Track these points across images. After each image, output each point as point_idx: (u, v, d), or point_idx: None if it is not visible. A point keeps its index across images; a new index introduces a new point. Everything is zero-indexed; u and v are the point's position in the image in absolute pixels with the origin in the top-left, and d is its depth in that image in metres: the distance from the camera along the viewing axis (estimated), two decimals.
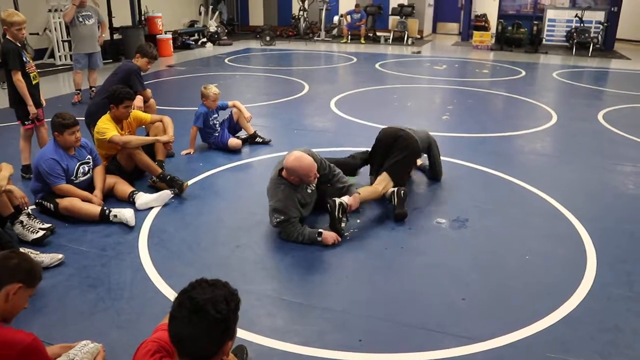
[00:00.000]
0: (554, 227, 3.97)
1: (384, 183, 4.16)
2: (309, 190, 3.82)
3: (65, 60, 11.66)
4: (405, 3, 16.53)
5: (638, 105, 8.24)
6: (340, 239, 3.65)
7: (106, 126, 4.47)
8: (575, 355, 2.57)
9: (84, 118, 5.23)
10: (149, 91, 5.50)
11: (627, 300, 3.03)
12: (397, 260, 3.49)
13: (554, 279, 3.26)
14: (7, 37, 4.65)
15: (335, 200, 3.72)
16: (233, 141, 5.53)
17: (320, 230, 3.63)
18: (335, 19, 17.17)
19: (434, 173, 4.78)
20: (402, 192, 4.05)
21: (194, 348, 1.50)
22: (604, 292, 3.10)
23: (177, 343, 1.52)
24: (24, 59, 4.67)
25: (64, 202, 3.94)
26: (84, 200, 4.02)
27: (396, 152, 4.29)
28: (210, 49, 14.78)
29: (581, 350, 2.61)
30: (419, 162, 4.84)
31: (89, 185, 4.21)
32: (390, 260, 3.49)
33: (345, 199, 3.77)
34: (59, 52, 11.61)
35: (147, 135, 5.03)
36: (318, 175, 3.68)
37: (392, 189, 4.09)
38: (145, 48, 5.36)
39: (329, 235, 3.61)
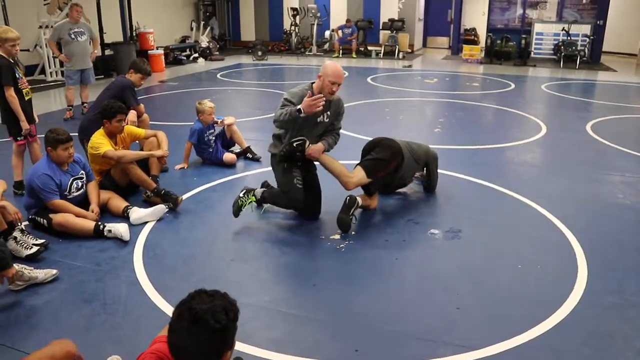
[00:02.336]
0: (545, 236, 4.02)
1: (355, 173, 4.18)
2: (319, 119, 4.06)
3: (56, 76, 11.69)
4: (396, 18, 16.74)
5: (625, 116, 8.38)
6: (319, 105, 3.77)
7: (100, 141, 4.49)
8: None
9: (77, 133, 5.25)
10: (142, 106, 5.53)
11: (618, 308, 3.07)
12: (391, 271, 3.52)
13: (546, 288, 3.30)
14: (1, 53, 4.67)
15: (353, 197, 4.06)
16: (228, 156, 5.56)
17: (299, 107, 3.81)
18: (327, 33, 17.34)
19: (428, 186, 4.83)
20: (349, 198, 4.06)
21: (194, 359, 1.51)
22: (595, 300, 3.14)
23: (177, 354, 1.54)
24: (16, 74, 4.69)
25: (57, 218, 3.93)
26: (78, 216, 4.02)
27: (376, 151, 4.34)
28: (202, 64, 14.86)
29: (574, 356, 2.65)
30: (417, 174, 4.86)
31: (82, 201, 4.20)
32: (384, 271, 3.51)
33: (316, 146, 4.03)
34: (49, 68, 11.64)
35: (141, 150, 5.05)
36: (335, 91, 3.97)
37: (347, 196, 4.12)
38: (138, 64, 5.40)
39: (307, 104, 3.76)
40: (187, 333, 1.50)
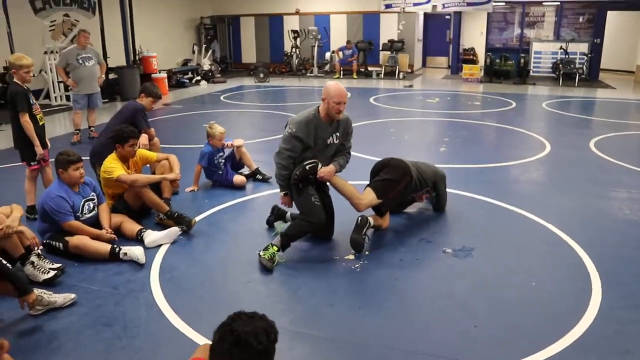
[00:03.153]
0: (557, 253, 4.05)
1: (366, 194, 4.24)
2: (330, 141, 4.09)
3: (61, 100, 11.82)
4: (395, 39, 16.95)
5: (627, 133, 8.46)
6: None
7: (113, 165, 4.54)
8: None
9: (88, 157, 5.30)
10: (153, 130, 5.60)
11: (635, 324, 3.10)
12: (407, 290, 3.54)
13: (562, 304, 3.32)
14: (15, 79, 4.75)
15: (365, 217, 4.12)
16: (238, 178, 5.62)
17: (285, 192, 4.07)
18: (327, 55, 17.55)
19: (438, 205, 4.87)
20: (361, 219, 4.11)
21: None
22: (611, 316, 3.16)
23: None
24: (30, 101, 4.77)
25: (74, 241, 3.97)
26: (94, 237, 4.05)
27: (385, 171, 4.39)
28: (204, 86, 15.01)
29: None
30: (426, 195, 4.90)
31: (94, 223, 4.23)
32: (400, 290, 3.54)
33: (328, 168, 4.09)
34: (54, 92, 11.76)
35: (153, 173, 5.10)
36: (342, 110, 3.97)
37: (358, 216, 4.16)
38: (149, 88, 5.48)
39: (285, 199, 4.09)
40: (229, 355, 1.53)
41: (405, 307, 3.33)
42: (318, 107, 4.07)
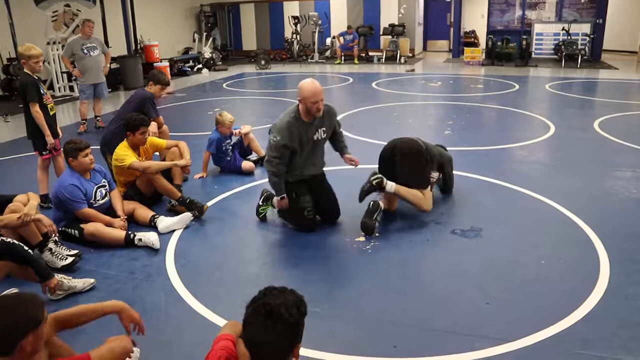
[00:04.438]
0: (564, 232, 4.12)
1: (422, 196, 4.32)
2: (316, 137, 4.10)
3: (64, 91, 11.85)
4: (396, 23, 16.90)
5: (630, 113, 8.49)
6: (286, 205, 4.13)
7: (125, 153, 4.60)
8: (601, 351, 2.69)
9: (99, 147, 5.36)
10: (162, 118, 5.65)
11: None
12: (419, 270, 3.62)
13: (571, 281, 3.40)
14: (25, 70, 4.80)
15: (376, 202, 4.18)
16: (246, 164, 5.68)
17: (282, 196, 4.09)
18: (328, 40, 17.52)
19: (445, 187, 4.93)
20: (372, 203, 4.19)
21: (270, 351, 1.61)
22: (620, 291, 3.24)
23: (254, 348, 1.64)
24: (41, 90, 4.82)
25: (89, 228, 4.04)
26: (107, 224, 4.13)
27: (404, 164, 4.35)
28: (206, 74, 15.02)
29: (605, 346, 2.74)
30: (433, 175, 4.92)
31: (107, 210, 4.30)
32: (412, 270, 3.62)
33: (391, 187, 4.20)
34: (57, 83, 11.78)
35: (163, 160, 5.15)
36: (321, 108, 3.94)
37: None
38: (157, 75, 5.52)
39: (282, 203, 4.12)
40: (263, 327, 1.60)
41: (417, 286, 3.41)
42: (297, 106, 4.03)
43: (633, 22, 17.42)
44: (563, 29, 15.20)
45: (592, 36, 15.42)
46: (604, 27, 15.65)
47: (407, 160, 4.35)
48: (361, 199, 4.26)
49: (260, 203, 4.48)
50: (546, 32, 16.20)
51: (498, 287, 3.34)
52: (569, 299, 3.16)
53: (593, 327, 2.89)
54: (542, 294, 3.26)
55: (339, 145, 4.46)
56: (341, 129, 4.46)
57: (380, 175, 4.24)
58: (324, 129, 4.16)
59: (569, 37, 15.11)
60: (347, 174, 5.59)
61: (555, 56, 15.73)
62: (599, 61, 15.41)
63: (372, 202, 4.20)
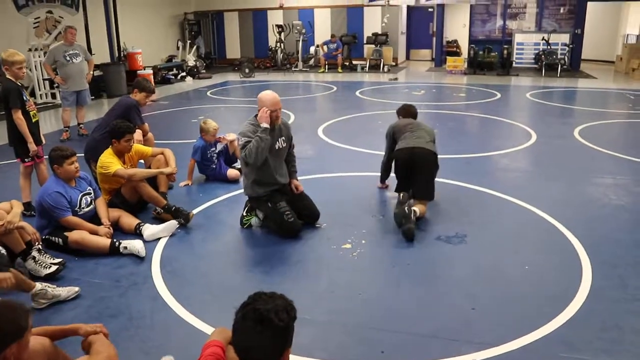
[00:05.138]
0: (547, 237, 4.19)
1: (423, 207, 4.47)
2: (277, 146, 4.30)
3: (46, 98, 11.72)
4: (380, 32, 17.04)
5: (609, 122, 8.67)
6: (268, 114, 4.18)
7: (110, 160, 4.58)
8: (584, 354, 2.74)
9: (82, 154, 5.32)
10: (147, 125, 5.62)
11: (624, 302, 3.24)
12: (405, 276, 3.65)
13: (554, 286, 3.45)
14: (8, 76, 4.76)
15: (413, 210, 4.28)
16: (232, 172, 5.67)
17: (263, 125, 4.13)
18: (312, 49, 17.58)
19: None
20: (409, 210, 4.27)
21: (260, 356, 1.62)
22: (601, 295, 3.30)
23: (244, 353, 1.64)
24: (24, 97, 4.77)
25: (74, 236, 3.99)
26: (92, 232, 4.09)
27: (419, 173, 4.56)
28: (190, 82, 14.98)
29: (588, 349, 2.79)
30: None
31: (92, 217, 4.26)
32: (398, 276, 3.64)
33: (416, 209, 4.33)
34: (39, 90, 11.66)
35: (148, 168, 5.13)
36: (280, 116, 4.31)
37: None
38: (142, 83, 5.50)
39: (261, 116, 4.17)
40: (253, 332, 1.60)
41: (403, 292, 3.43)
42: (255, 116, 4.32)
43: (610, 33, 17.81)
44: (543, 38, 15.47)
45: (571, 46, 15.72)
46: (582, 37, 15.97)
47: (425, 170, 4.56)
48: (266, 201, 4.31)
49: (245, 213, 4.51)
50: (527, 41, 16.47)
51: (483, 293, 3.38)
52: (553, 303, 3.21)
53: (576, 331, 2.94)
54: (526, 299, 3.30)
55: (290, 169, 4.60)
56: (294, 151, 4.68)
57: (404, 191, 4.41)
58: (284, 138, 4.40)
59: (549, 47, 15.38)
60: (334, 182, 5.64)
61: (536, 65, 15.99)
62: (578, 70, 15.70)
63: (408, 209, 4.24)
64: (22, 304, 2.00)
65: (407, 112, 5.24)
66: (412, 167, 4.58)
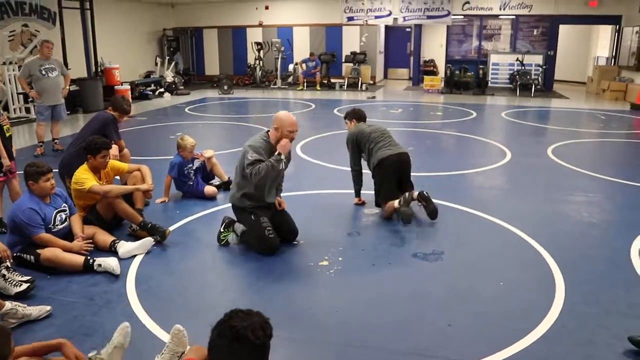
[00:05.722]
0: (521, 254, 4.25)
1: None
2: (280, 167, 4.17)
3: (20, 112, 11.54)
4: (358, 51, 17.23)
5: (581, 141, 8.88)
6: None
7: (85, 176, 4.51)
8: None
9: (57, 170, 5.24)
10: (123, 141, 5.57)
11: (596, 317, 3.29)
12: (382, 293, 3.65)
13: (529, 302, 3.49)
14: None
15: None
16: (209, 189, 5.64)
17: (277, 153, 4.09)
18: (291, 67, 17.67)
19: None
20: (407, 194, 4.79)
21: None
22: (575, 311, 3.35)
23: None
24: None
25: (46, 253, 3.91)
26: (65, 250, 4.01)
27: (406, 173, 5.08)
28: (168, 98, 14.91)
29: None
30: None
31: (66, 234, 4.19)
32: (375, 293, 3.65)
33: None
34: (13, 104, 11.48)
35: (124, 184, 5.07)
36: (295, 137, 4.24)
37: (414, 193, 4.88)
38: (118, 102, 5.47)
39: (282, 146, 4.11)
40: (229, 350, 1.59)
41: (381, 309, 3.44)
42: (267, 132, 4.25)
43: (581, 55, 18.32)
44: (517, 59, 15.82)
45: (544, 67, 16.09)
46: (555, 58, 16.38)
47: (409, 171, 5.11)
48: (250, 214, 4.28)
49: (222, 230, 4.48)
50: (502, 62, 16.81)
51: (459, 309, 3.40)
52: (527, 319, 3.25)
53: (550, 346, 2.98)
54: (502, 315, 3.34)
55: (277, 187, 4.54)
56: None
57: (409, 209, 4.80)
58: (285, 161, 4.26)
59: (523, 68, 15.73)
60: (311, 199, 5.65)
61: (511, 85, 16.31)
62: (551, 91, 16.06)
63: (407, 194, 4.74)
64: (2, 328, 1.94)
65: (361, 116, 5.49)
66: (400, 172, 4.98)
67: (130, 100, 13.06)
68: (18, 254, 4.01)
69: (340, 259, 4.15)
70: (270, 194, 4.36)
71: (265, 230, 4.18)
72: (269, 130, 4.28)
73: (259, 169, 4.02)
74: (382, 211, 5.02)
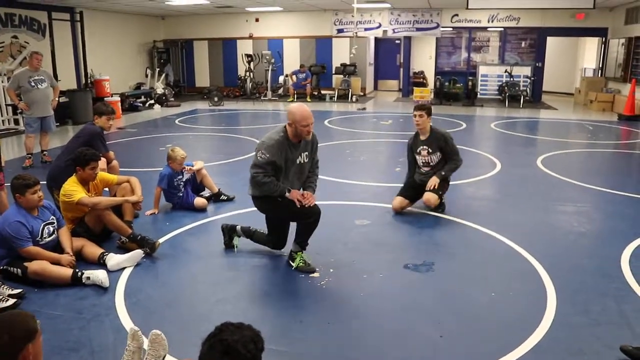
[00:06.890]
0: (513, 265, 4.25)
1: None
2: (299, 160, 4.08)
3: (9, 124, 11.46)
4: (348, 62, 17.32)
5: (569, 151, 8.95)
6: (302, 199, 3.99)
7: (73, 188, 4.47)
8: None
9: (45, 182, 5.19)
10: (112, 153, 5.54)
11: (587, 326, 3.29)
12: (373, 305, 3.63)
13: (520, 313, 3.49)
14: None
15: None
16: (199, 201, 5.61)
17: (287, 190, 3.98)
18: (281, 79, 17.71)
19: None
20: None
21: None
22: (566, 321, 3.35)
23: None
24: None
25: (33, 266, 3.87)
26: (53, 262, 3.96)
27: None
28: (158, 110, 14.87)
29: None
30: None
31: (54, 247, 4.14)
32: (366, 304, 3.63)
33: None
34: (1, 116, 11.40)
35: (113, 196, 5.03)
36: (311, 131, 4.02)
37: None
38: (100, 107, 5.44)
39: (295, 193, 3.98)
40: None
41: (373, 321, 3.42)
42: (285, 127, 4.03)
43: (569, 66, 18.54)
44: (506, 71, 15.99)
45: (532, 78, 16.27)
46: (543, 70, 16.55)
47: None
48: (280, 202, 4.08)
49: (227, 239, 4.54)
50: (490, 73, 16.98)
51: (451, 320, 3.39)
52: (519, 329, 3.24)
53: (542, 357, 2.97)
54: (493, 326, 3.33)
55: (307, 183, 4.28)
56: (317, 160, 4.40)
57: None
58: (307, 153, 4.15)
59: (512, 79, 15.89)
60: None
61: (499, 96, 16.46)
62: (540, 102, 16.22)
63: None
64: (27, 312, 2.09)
65: None
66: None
67: (120, 111, 13.18)
68: (5, 267, 3.97)
69: (331, 270, 4.13)
70: (294, 187, 4.12)
71: (299, 203, 4.00)
72: (287, 124, 4.02)
73: (263, 182, 3.92)
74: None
